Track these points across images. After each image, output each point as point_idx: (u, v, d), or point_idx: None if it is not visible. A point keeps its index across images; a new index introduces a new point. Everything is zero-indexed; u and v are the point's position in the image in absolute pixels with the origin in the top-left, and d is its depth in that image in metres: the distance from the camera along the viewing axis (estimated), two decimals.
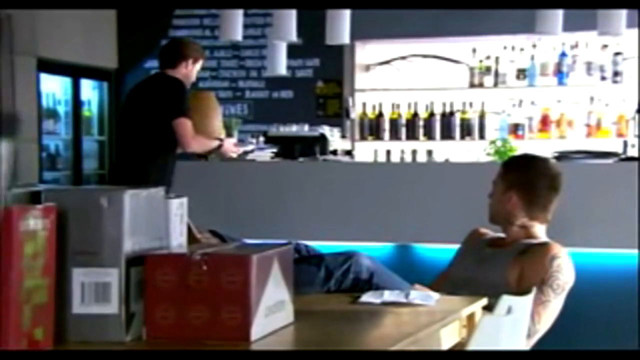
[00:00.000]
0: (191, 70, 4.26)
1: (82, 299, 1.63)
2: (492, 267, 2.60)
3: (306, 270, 2.31)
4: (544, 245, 2.58)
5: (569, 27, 5.06)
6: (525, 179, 2.64)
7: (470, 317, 2.20)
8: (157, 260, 1.68)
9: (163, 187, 1.79)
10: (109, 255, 1.63)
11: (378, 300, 2.19)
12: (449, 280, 2.67)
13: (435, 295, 2.25)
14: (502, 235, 2.70)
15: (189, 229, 2.18)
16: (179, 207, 1.87)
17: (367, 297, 2.23)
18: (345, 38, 4.72)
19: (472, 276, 2.61)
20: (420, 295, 2.24)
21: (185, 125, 3.94)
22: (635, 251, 3.67)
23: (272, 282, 1.78)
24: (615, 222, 3.73)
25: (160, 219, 1.79)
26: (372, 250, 4.26)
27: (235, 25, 4.63)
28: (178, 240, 1.87)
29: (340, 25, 4.58)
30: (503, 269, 2.57)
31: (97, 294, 1.63)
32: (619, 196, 3.74)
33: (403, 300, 2.19)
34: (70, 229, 1.61)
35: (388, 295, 2.23)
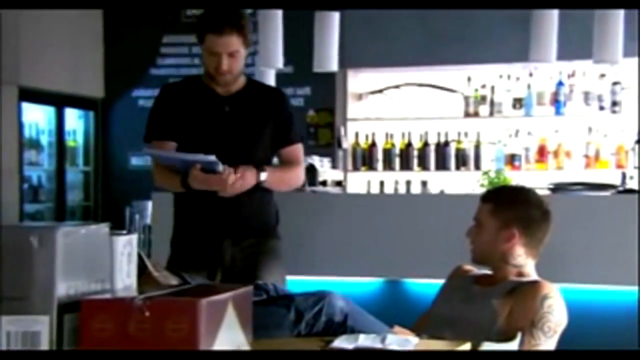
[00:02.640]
0: None
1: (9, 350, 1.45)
2: (480, 306, 2.42)
3: (274, 312, 2.13)
4: (534, 284, 2.40)
5: (565, 55, 4.94)
6: (525, 214, 2.46)
7: None
8: (94, 306, 1.51)
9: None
10: (39, 301, 1.46)
11: (351, 346, 2.01)
12: (433, 320, 2.49)
13: (414, 340, 2.07)
14: (488, 272, 2.52)
15: (145, 267, 2.01)
16: (126, 244, 1.70)
17: (340, 342, 2.05)
18: (333, 65, 4.59)
19: (459, 316, 2.43)
20: (397, 340, 2.06)
21: None
22: (635, 288, 3.49)
23: (225, 329, 1.60)
24: (613, 257, 3.56)
25: (103, 259, 1.62)
26: (361, 286, 4.09)
27: None
28: (125, 282, 1.69)
29: (329, 52, 4.45)
30: (491, 309, 2.39)
31: (25, 344, 1.45)
32: (617, 230, 3.57)
33: (378, 345, 2.02)
34: None
35: (363, 340, 2.05)
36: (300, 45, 5.20)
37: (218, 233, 2.91)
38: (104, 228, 1.63)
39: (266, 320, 2.13)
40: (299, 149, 3.03)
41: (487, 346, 1.77)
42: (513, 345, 1.98)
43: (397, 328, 2.38)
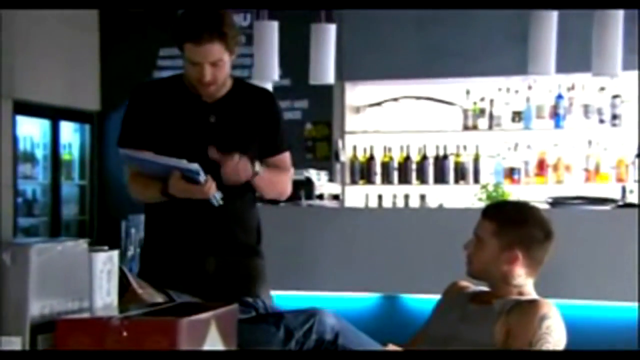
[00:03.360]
0: None
1: None
2: (477, 326, 2.35)
3: (263, 330, 2.07)
4: (532, 303, 2.32)
5: (564, 68, 4.89)
6: (529, 236, 2.37)
7: None
8: (69, 326, 1.45)
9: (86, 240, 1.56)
10: (11, 321, 1.40)
11: None
12: (429, 338, 2.42)
13: None
14: (485, 289, 2.45)
15: (128, 285, 1.95)
16: (106, 261, 1.64)
17: None
18: (330, 78, 4.54)
19: (455, 335, 2.36)
20: None
21: None
22: (635, 304, 3.42)
23: (208, 349, 1.54)
24: (612, 273, 3.50)
25: (81, 276, 1.56)
26: (357, 301, 4.02)
27: None
28: (105, 301, 1.63)
29: (325, 64, 4.40)
30: (488, 328, 2.32)
31: None
32: (616, 245, 3.51)
33: None
34: None
35: None
36: (297, 57, 5.15)
37: (200, 248, 2.66)
38: (82, 244, 1.58)
39: (255, 338, 2.07)
40: (287, 157, 2.80)
41: None
42: None
43: (390, 346, 2.32)
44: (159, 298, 1.99)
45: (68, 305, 1.50)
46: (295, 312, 2.13)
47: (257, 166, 2.63)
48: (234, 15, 2.75)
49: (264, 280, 2.74)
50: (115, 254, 1.68)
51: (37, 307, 1.42)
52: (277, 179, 2.76)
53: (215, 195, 2.53)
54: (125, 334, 1.44)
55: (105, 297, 1.64)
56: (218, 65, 2.55)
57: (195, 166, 2.47)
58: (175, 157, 2.54)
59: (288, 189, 2.83)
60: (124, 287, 1.94)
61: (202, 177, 2.47)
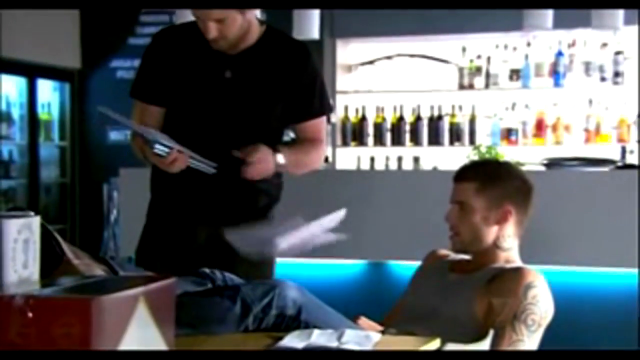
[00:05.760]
0: None
1: None
2: (457, 298, 2.15)
3: (217, 305, 1.86)
4: (516, 271, 2.12)
5: (564, 23, 4.65)
6: (514, 188, 2.18)
7: None
8: None
9: None
10: None
11: (301, 345, 1.75)
12: (405, 313, 2.23)
13: (375, 337, 1.81)
14: (467, 257, 2.25)
15: (62, 254, 1.75)
16: (22, 229, 1.43)
17: (291, 339, 1.79)
18: (314, 33, 4.30)
19: (433, 309, 2.16)
20: (356, 337, 1.80)
21: None
22: (635, 270, 3.22)
23: (133, 332, 1.34)
24: (611, 238, 3.29)
25: None
26: (344, 268, 3.83)
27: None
28: (20, 275, 1.42)
29: (308, 17, 4.15)
30: (469, 300, 2.12)
31: None
32: (615, 208, 3.29)
33: (333, 344, 1.75)
34: None
35: (317, 337, 1.79)
36: (285, 15, 4.91)
37: (195, 216, 2.40)
38: None
39: (208, 313, 1.87)
40: (319, 124, 2.42)
41: (456, 347, 1.51)
42: (484, 345, 1.71)
43: (362, 320, 2.13)
44: (98, 270, 1.78)
45: None
46: (254, 284, 1.92)
47: (280, 159, 2.32)
48: None
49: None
50: (35, 220, 1.47)
51: None
52: (306, 158, 2.44)
53: (200, 165, 2.28)
54: (30, 315, 1.23)
55: (21, 271, 1.43)
56: (225, 23, 2.24)
57: (153, 136, 2.21)
58: (186, 116, 2.30)
59: (317, 164, 2.52)
60: (58, 257, 1.75)
61: (159, 148, 2.22)
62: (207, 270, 2.03)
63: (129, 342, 1.32)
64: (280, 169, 2.38)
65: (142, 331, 1.36)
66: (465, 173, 2.20)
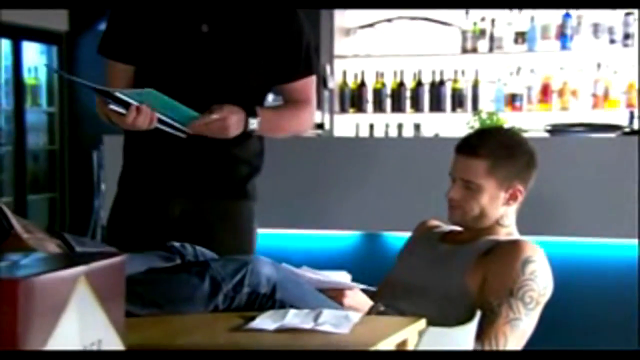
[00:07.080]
0: None
1: None
2: (448, 271, 2.00)
3: (184, 282, 1.72)
4: (513, 244, 1.97)
5: None
6: (523, 164, 2.03)
7: (402, 344, 1.62)
8: None
9: None
10: None
11: (275, 325, 1.61)
12: (393, 287, 2.07)
13: (354, 318, 1.66)
14: (459, 228, 2.09)
15: (10, 228, 1.60)
16: None
17: (262, 320, 1.64)
18: None
19: (422, 282, 2.01)
20: (333, 317, 1.65)
21: None
22: (635, 241, 3.07)
23: (72, 316, 1.19)
24: (614, 207, 3.13)
25: None
26: (340, 240, 3.69)
27: None
28: None
29: None
30: (461, 273, 1.97)
31: None
32: (620, 177, 3.13)
33: (309, 325, 1.61)
34: None
35: (291, 318, 1.65)
36: None
37: (168, 187, 2.22)
38: None
39: (174, 292, 1.72)
40: (308, 83, 2.25)
41: (432, 334, 1.36)
42: (472, 327, 1.57)
43: (349, 297, 1.93)
44: (52, 245, 1.63)
45: None
46: (225, 260, 1.77)
47: (253, 124, 2.14)
48: None
49: (242, 226, 2.27)
50: None
51: None
52: (289, 123, 2.26)
53: (168, 129, 2.08)
54: None
55: None
56: None
57: (111, 92, 2.02)
58: (158, 75, 2.12)
59: (303, 127, 2.33)
60: (5, 231, 1.60)
61: (115, 106, 2.03)
62: (177, 244, 1.88)
63: (68, 326, 1.18)
64: (255, 132, 2.20)
65: (83, 314, 1.21)
66: (474, 149, 2.01)
